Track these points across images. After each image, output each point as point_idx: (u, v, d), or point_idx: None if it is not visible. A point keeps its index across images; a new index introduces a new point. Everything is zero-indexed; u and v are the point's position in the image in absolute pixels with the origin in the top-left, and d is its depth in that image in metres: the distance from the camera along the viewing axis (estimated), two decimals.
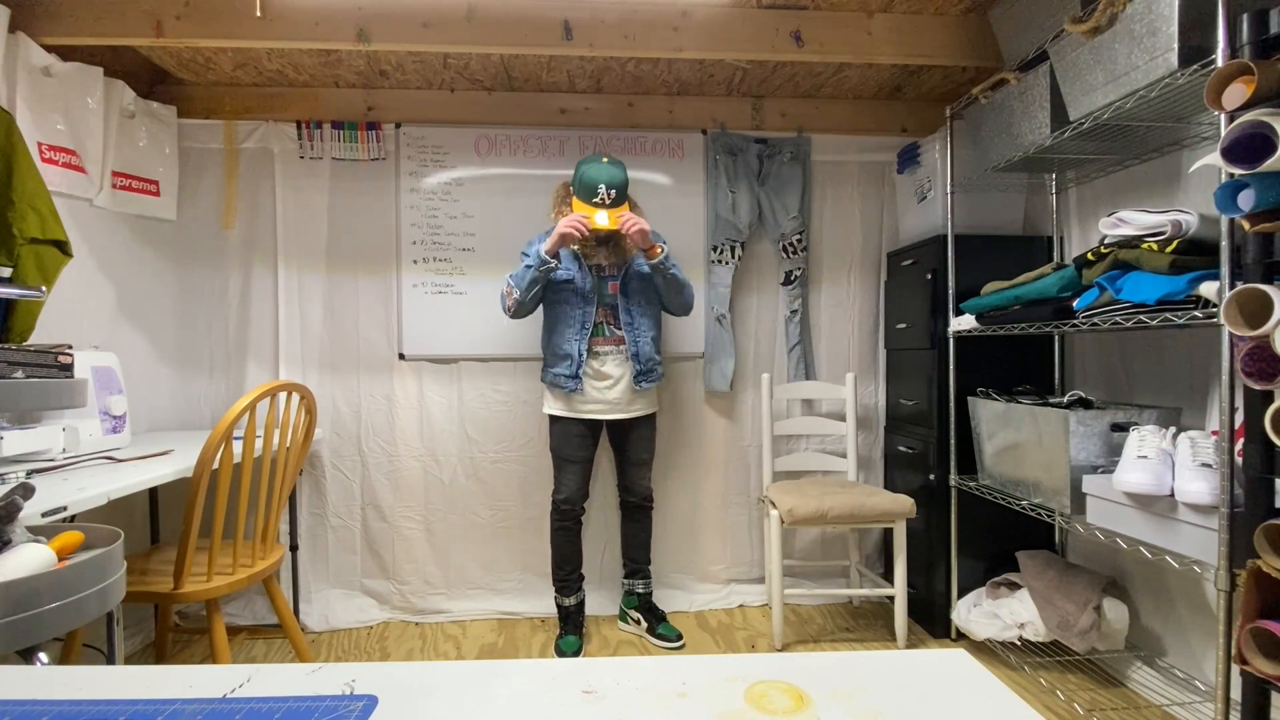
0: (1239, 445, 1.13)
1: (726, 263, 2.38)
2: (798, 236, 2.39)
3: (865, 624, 2.13)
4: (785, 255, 2.40)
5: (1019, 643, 1.83)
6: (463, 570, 2.30)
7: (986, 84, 1.86)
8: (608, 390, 2.01)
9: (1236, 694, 1.16)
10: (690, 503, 2.39)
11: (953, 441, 2.03)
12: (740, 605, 2.32)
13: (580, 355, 1.97)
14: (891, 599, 2.02)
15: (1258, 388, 1.06)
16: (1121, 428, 1.57)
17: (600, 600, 2.29)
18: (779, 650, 1.99)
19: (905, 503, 1.97)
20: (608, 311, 2.02)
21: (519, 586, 2.31)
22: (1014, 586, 1.97)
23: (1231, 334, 1.09)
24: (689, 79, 2.25)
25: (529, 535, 2.31)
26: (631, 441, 2.09)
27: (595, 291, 1.99)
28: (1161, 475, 1.31)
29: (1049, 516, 1.65)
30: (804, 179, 2.40)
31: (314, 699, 0.45)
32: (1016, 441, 1.78)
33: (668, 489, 2.38)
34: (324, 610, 2.22)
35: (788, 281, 2.42)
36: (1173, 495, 1.28)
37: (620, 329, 2.01)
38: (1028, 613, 1.84)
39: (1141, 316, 1.35)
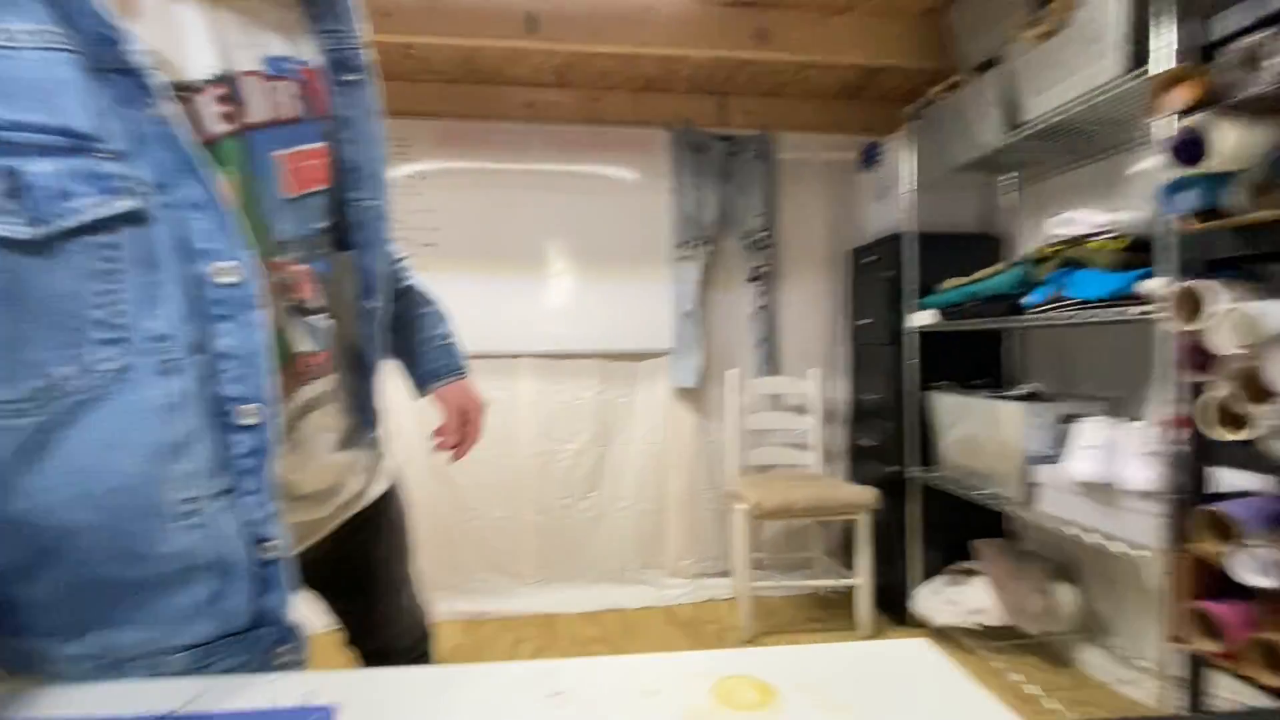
0: (1179, 434, 1.19)
1: (692, 260, 2.39)
2: (763, 234, 2.41)
3: (830, 613, 2.17)
4: (751, 252, 2.42)
5: (977, 628, 1.89)
6: (447, 569, 2.26)
7: (943, 85, 1.90)
8: None
9: (1180, 672, 1.22)
10: (657, 498, 2.40)
11: (913, 434, 2.08)
12: (709, 599, 2.34)
13: None
14: (855, 589, 2.07)
15: (1193, 380, 1.11)
16: (1071, 419, 1.63)
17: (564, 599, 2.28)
18: (747, 642, 2.02)
19: (868, 495, 2.01)
20: None
21: (485, 587, 2.29)
22: (971, 573, 2.03)
23: (1171, 329, 1.14)
24: (655, 75, 2.24)
25: (495, 534, 2.29)
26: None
27: None
28: (1107, 463, 1.37)
29: (1003, 505, 1.71)
30: (768, 177, 2.43)
31: (267, 713, 0.43)
32: (973, 433, 1.83)
33: (637, 483, 2.38)
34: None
35: (754, 278, 2.45)
36: (1118, 483, 1.34)
37: None
38: (984, 599, 1.91)
39: (1088, 313, 1.41)
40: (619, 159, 2.39)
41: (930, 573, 2.09)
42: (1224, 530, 1.07)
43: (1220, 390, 1.07)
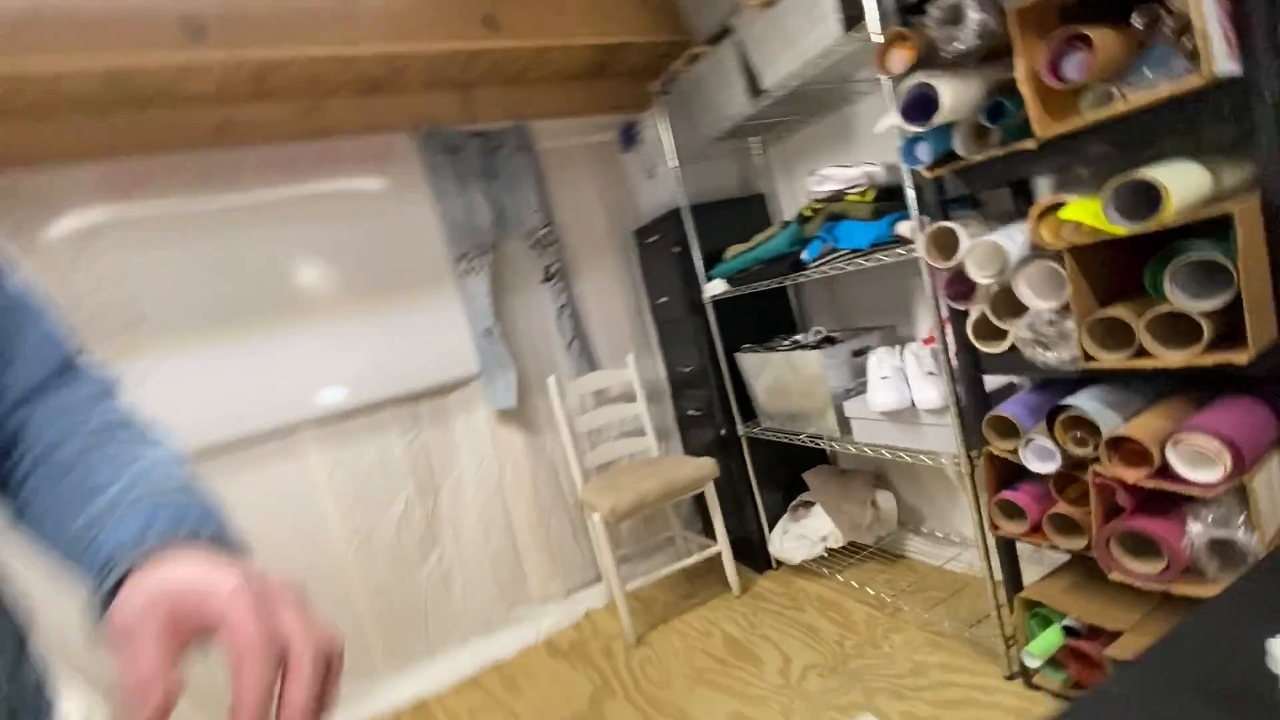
0: (950, 354, 1.36)
1: (478, 271, 2.19)
2: (545, 230, 2.29)
3: (701, 582, 2.21)
4: (538, 251, 2.29)
5: (827, 554, 2.07)
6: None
7: (683, 59, 1.93)
8: None
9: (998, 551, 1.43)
10: (506, 531, 2.23)
11: (731, 396, 2.17)
12: (586, 613, 2.26)
13: None
14: (719, 554, 2.13)
15: (959, 308, 1.26)
16: (860, 353, 1.81)
17: None
18: (636, 644, 1.98)
19: (708, 466, 2.06)
20: None
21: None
22: (809, 505, 2.22)
23: (930, 265, 1.27)
24: (380, 75, 1.95)
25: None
26: None
27: None
28: (902, 390, 1.53)
29: (822, 443, 1.85)
30: (534, 169, 2.29)
31: None
32: (783, 385, 1.95)
33: (481, 525, 2.18)
34: None
35: (548, 278, 2.32)
36: (915, 404, 1.51)
37: None
38: (826, 525, 2.09)
39: (859, 260, 1.54)
40: (359, 173, 2.06)
41: (776, 514, 2.24)
42: (1010, 429, 1.24)
43: (979, 311, 1.23)
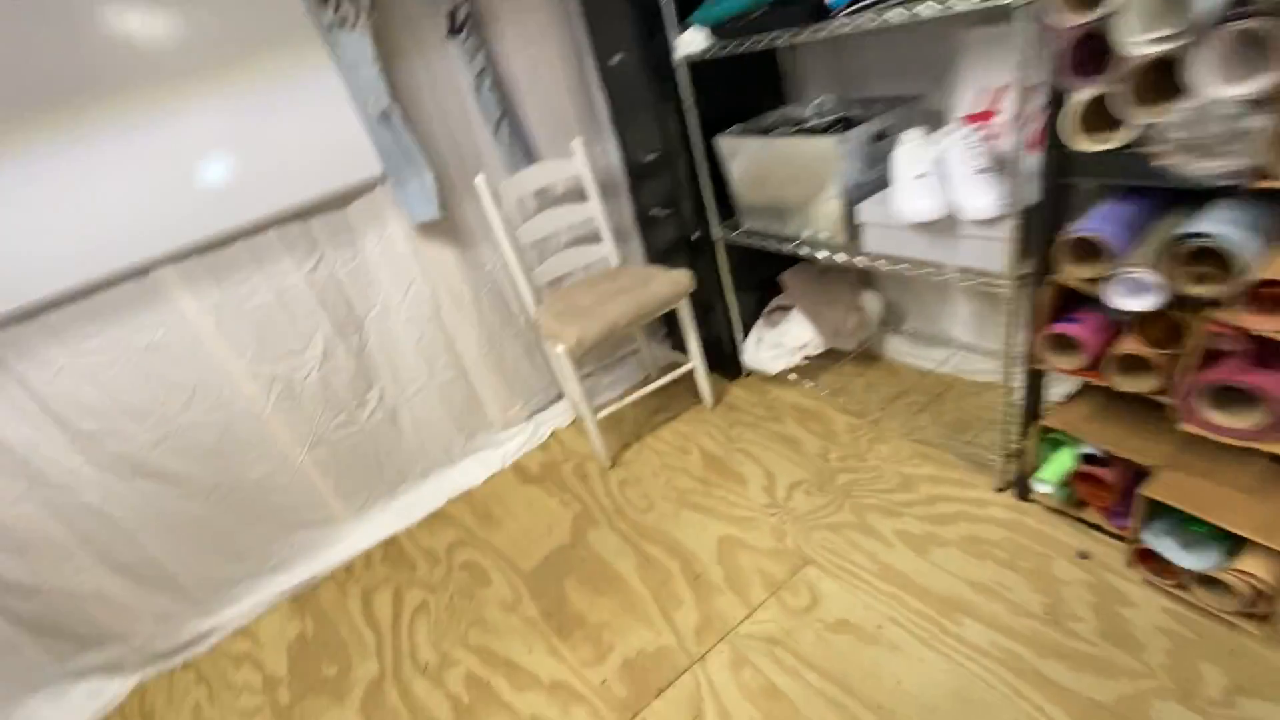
0: (1031, 145, 1.04)
1: (352, 24, 1.54)
2: None
3: (670, 394, 2.09)
4: None
5: (805, 362, 1.95)
6: (205, 576, 1.70)
7: None
8: None
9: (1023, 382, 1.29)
10: (453, 361, 1.96)
11: (708, 191, 1.80)
12: (552, 432, 2.14)
13: None
14: (692, 370, 1.98)
15: (1081, 87, 0.90)
16: (882, 137, 1.44)
17: None
18: (610, 468, 1.90)
19: (683, 281, 1.78)
20: None
21: (297, 550, 1.81)
22: (786, 309, 2.03)
23: (1057, 21, 0.88)
24: None
25: (268, 497, 1.74)
26: None
27: None
28: (942, 193, 1.23)
29: (821, 253, 1.58)
30: None
31: None
32: (775, 179, 1.60)
33: (423, 356, 1.89)
34: None
35: (455, 28, 1.69)
36: (958, 213, 1.22)
37: None
38: (805, 333, 1.93)
39: (916, 7, 1.10)
40: None
41: (750, 320, 2.06)
42: (1088, 252, 1.00)
43: (1096, 93, 0.89)
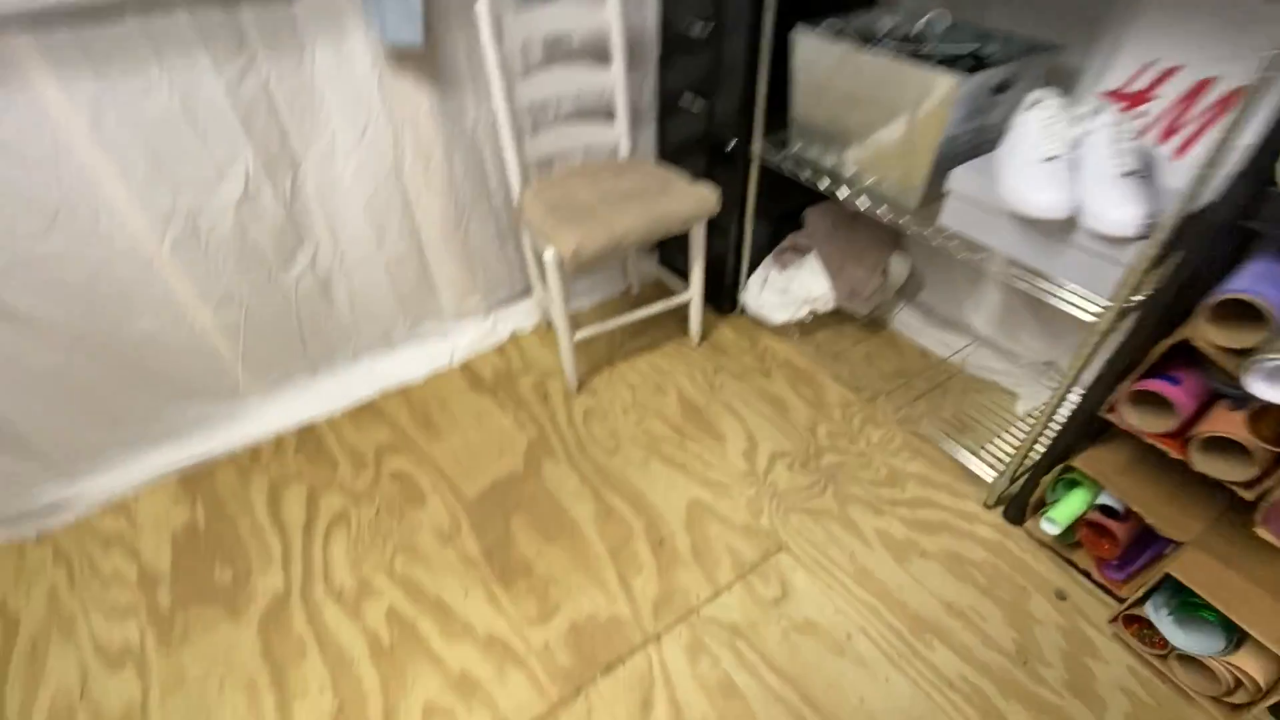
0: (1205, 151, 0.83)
1: None
2: None
3: (653, 322, 1.85)
4: None
5: (808, 318, 1.76)
6: (64, 438, 1.40)
7: None
8: None
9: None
10: (407, 232, 1.61)
11: (761, 95, 1.47)
12: (512, 334, 1.88)
13: None
14: (688, 303, 1.74)
15: None
16: (1004, 88, 1.17)
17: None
18: (577, 391, 1.69)
19: (709, 200, 1.49)
20: None
21: (190, 418, 1.52)
22: (800, 251, 1.80)
23: None
24: None
25: (161, 355, 1.41)
26: None
27: None
28: (1073, 189, 1.01)
29: (887, 213, 1.34)
30: None
31: None
32: (859, 105, 1.30)
33: (371, 221, 1.54)
34: None
35: None
36: (1085, 218, 1.01)
37: None
38: (817, 286, 1.72)
39: None
40: None
41: (761, 253, 1.82)
42: (1241, 315, 0.83)
43: None
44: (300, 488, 1.47)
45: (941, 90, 1.11)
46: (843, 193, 1.39)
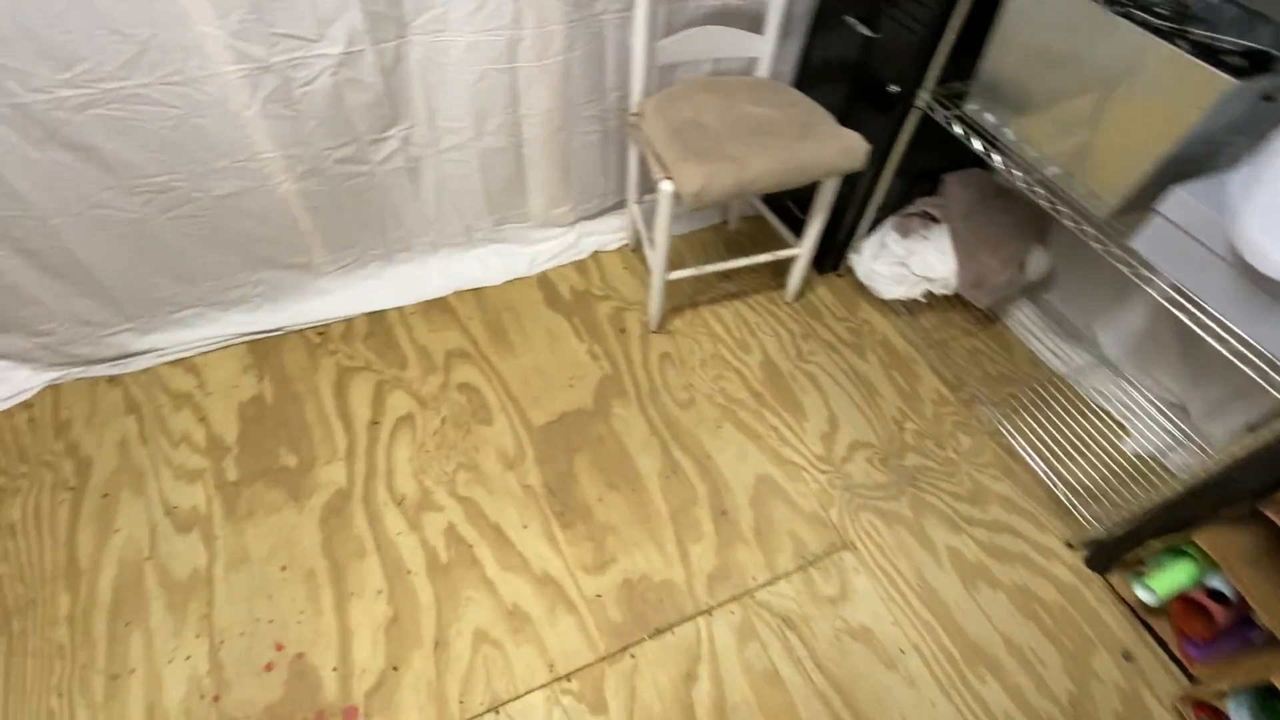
0: None
1: None
2: None
3: (750, 270, 1.70)
4: None
5: (922, 299, 1.60)
6: (140, 290, 1.36)
7: None
8: None
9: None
10: (509, 126, 1.45)
11: (949, 33, 1.23)
12: (594, 251, 1.75)
13: None
14: (793, 259, 1.59)
15: None
16: (1271, 99, 0.95)
17: None
18: (655, 331, 1.60)
19: (856, 155, 1.30)
20: None
21: (260, 291, 1.47)
22: (929, 220, 1.61)
23: None
24: None
25: (240, 219, 1.33)
26: None
27: None
28: None
29: (1065, 215, 1.15)
30: None
31: None
32: (1076, 79, 1.07)
33: (472, 107, 1.38)
34: None
35: None
36: None
37: None
38: (941, 265, 1.55)
39: None
40: None
41: (884, 214, 1.63)
42: None
43: None
44: (368, 380, 1.44)
45: (1206, 90, 0.89)
46: (1012, 173, 1.20)
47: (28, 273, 1.22)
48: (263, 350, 1.48)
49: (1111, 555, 1.24)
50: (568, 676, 1.08)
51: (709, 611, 1.17)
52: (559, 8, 1.28)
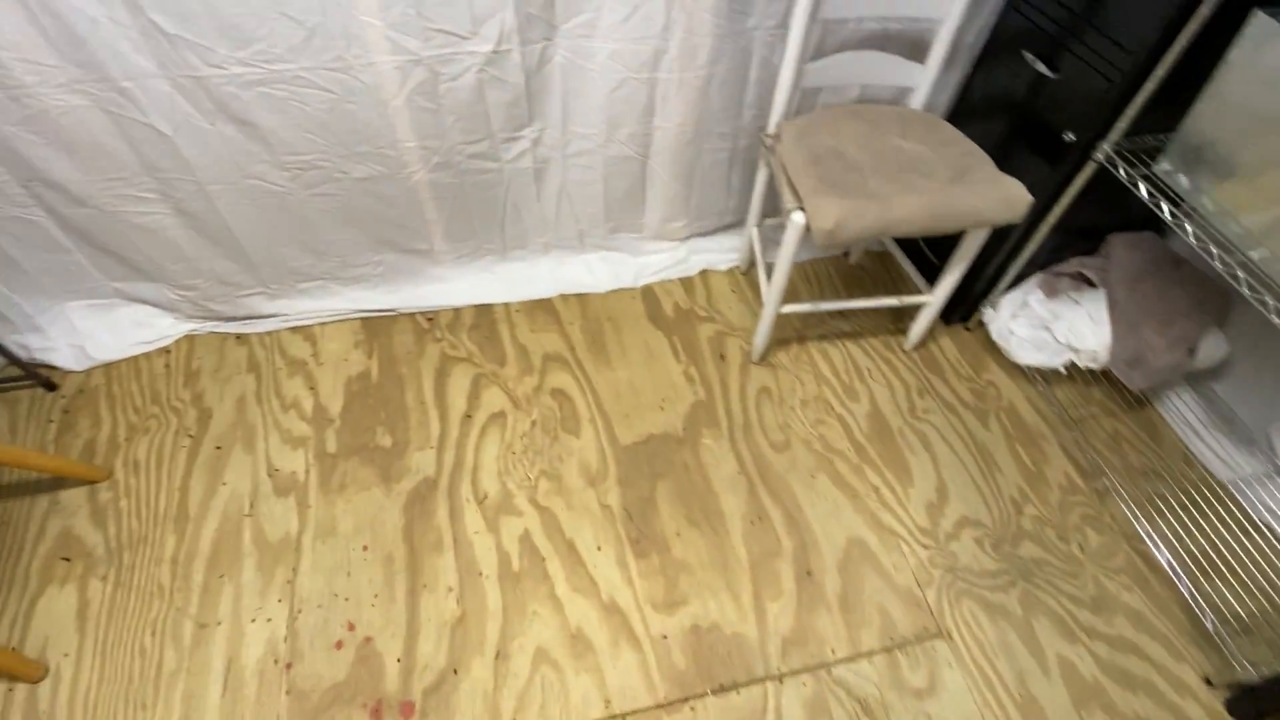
0: None
1: None
2: None
3: (866, 311, 1.59)
4: None
5: (1062, 370, 1.44)
6: (276, 258, 1.43)
7: None
8: None
9: None
10: (641, 136, 1.42)
11: (1152, 79, 1.08)
12: (703, 271, 1.70)
13: None
14: (922, 306, 1.46)
15: None
16: None
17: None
18: (756, 363, 1.52)
19: (1017, 207, 1.17)
20: None
21: (379, 271, 1.52)
22: (1083, 283, 1.44)
23: None
24: None
25: (370, 202, 1.37)
26: None
27: None
28: None
29: (1250, 293, 0.98)
30: None
31: None
32: None
33: (607, 114, 1.36)
34: (73, 337, 1.41)
35: None
36: None
37: None
38: (1092, 336, 1.38)
39: None
40: None
41: (1027, 269, 1.47)
42: None
43: None
44: (467, 372, 1.46)
45: None
46: (1210, 251, 1.03)
47: (184, 231, 1.32)
48: (374, 328, 1.53)
49: (1262, 705, 1.05)
50: (623, 716, 1.04)
51: (779, 678, 1.09)
52: (710, 21, 1.23)
